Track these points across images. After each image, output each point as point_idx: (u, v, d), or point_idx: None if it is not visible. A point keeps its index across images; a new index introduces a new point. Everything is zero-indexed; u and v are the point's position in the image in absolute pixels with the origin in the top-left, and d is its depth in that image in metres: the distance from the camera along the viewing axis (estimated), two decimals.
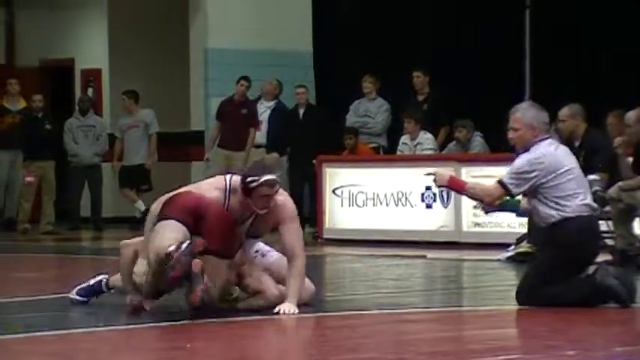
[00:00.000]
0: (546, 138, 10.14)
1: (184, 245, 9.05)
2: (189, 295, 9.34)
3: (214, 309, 9.50)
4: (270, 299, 9.66)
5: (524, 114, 10.21)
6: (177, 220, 9.32)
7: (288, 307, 9.50)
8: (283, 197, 9.86)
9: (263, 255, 10.00)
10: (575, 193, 9.92)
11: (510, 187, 9.86)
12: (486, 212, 10.81)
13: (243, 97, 20.45)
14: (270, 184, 9.61)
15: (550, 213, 9.82)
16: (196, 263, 9.21)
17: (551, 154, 9.98)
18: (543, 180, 9.82)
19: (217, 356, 8.42)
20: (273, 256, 10.03)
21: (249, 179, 9.62)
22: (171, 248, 9.06)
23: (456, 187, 10.61)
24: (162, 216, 9.44)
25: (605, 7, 18.02)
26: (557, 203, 9.80)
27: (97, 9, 23.58)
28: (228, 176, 9.93)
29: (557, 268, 9.92)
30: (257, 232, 9.91)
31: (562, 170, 9.93)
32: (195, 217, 9.42)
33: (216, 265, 9.36)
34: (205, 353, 8.47)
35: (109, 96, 22.90)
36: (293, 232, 9.77)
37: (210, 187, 9.87)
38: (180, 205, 9.45)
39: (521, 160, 10.03)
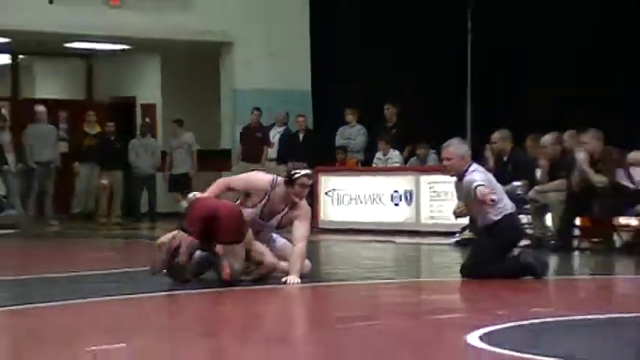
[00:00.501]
0: (471, 164, 10.08)
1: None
2: (220, 274, 9.35)
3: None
4: (269, 266, 9.72)
5: (457, 148, 10.16)
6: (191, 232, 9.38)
7: (292, 279, 9.57)
8: (304, 202, 9.96)
9: (274, 240, 10.01)
10: (502, 199, 9.98)
11: (490, 194, 9.69)
12: (456, 217, 10.81)
13: (257, 123, 20.39)
14: (308, 175, 9.82)
15: (491, 213, 9.84)
16: (218, 248, 9.24)
17: (488, 174, 10.07)
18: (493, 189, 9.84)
19: (243, 312, 8.43)
20: (281, 241, 10.05)
21: (294, 172, 9.81)
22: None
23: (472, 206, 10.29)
24: (182, 226, 9.49)
25: (530, 47, 17.91)
26: (496, 206, 9.82)
27: (152, 60, 23.54)
28: (275, 176, 10.03)
29: (492, 250, 9.95)
30: (285, 224, 9.95)
31: (497, 185, 9.98)
32: (207, 221, 9.35)
33: (233, 250, 9.35)
34: (234, 310, 8.49)
35: (161, 123, 22.83)
36: (303, 225, 9.83)
37: (263, 178, 10.02)
38: (194, 217, 9.41)
39: (478, 175, 9.88)
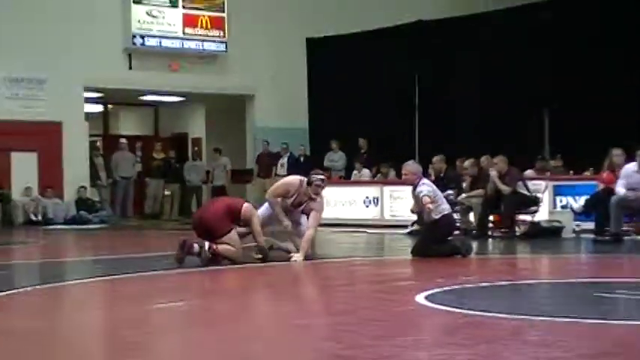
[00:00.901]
0: (422, 179, 10.09)
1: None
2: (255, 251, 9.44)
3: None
4: (261, 246, 9.48)
5: (412, 167, 10.25)
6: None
7: (297, 257, 9.51)
8: (320, 199, 9.82)
9: (300, 223, 9.88)
10: (442, 203, 10.00)
11: (430, 202, 9.71)
12: (412, 213, 10.80)
13: (267, 151, 20.55)
14: (321, 179, 9.70)
15: (433, 212, 9.86)
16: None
17: (433, 185, 10.09)
18: (435, 197, 9.85)
19: (249, 279, 8.43)
20: (304, 224, 9.89)
21: (312, 175, 9.73)
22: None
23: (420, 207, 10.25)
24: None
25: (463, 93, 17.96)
26: (437, 208, 9.85)
27: (200, 107, 23.63)
28: (302, 177, 9.84)
29: (434, 238, 9.96)
30: (307, 212, 9.84)
31: (438, 192, 9.99)
32: (198, 222, 9.32)
33: (229, 237, 9.15)
34: (238, 279, 8.50)
35: (205, 150, 22.91)
36: (315, 217, 9.72)
37: (295, 179, 9.92)
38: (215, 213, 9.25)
39: (425, 187, 9.85)
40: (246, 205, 9.47)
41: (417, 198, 9.96)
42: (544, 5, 16.95)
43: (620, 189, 11.74)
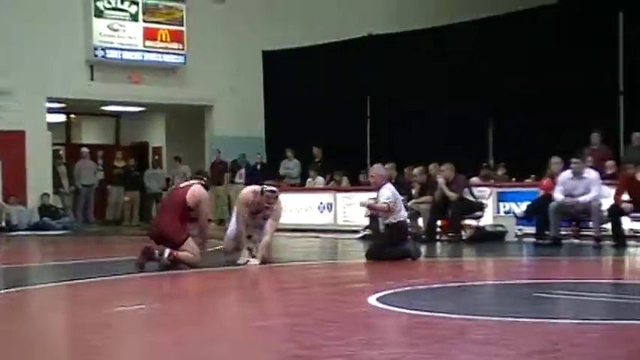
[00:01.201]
0: (386, 182, 10.21)
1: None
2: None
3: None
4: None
5: (378, 169, 10.39)
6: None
7: (254, 262, 9.50)
8: (278, 207, 9.79)
9: (261, 227, 9.78)
10: (401, 209, 10.08)
11: (391, 205, 9.88)
12: (367, 216, 10.88)
13: (219, 159, 20.46)
14: (271, 190, 9.60)
15: (390, 217, 9.93)
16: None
17: (395, 191, 10.15)
18: (395, 203, 9.91)
19: (209, 283, 8.40)
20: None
21: (264, 186, 9.66)
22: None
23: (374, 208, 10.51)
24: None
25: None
26: (396, 213, 9.92)
27: (160, 117, 23.47)
28: (257, 188, 9.76)
29: (390, 241, 10.00)
30: (266, 218, 9.73)
31: (398, 198, 10.07)
32: (154, 230, 9.34)
33: (186, 244, 9.15)
34: (197, 283, 8.47)
35: (166, 159, 22.75)
36: (271, 224, 9.70)
37: (248, 190, 9.92)
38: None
39: (387, 192, 9.93)
40: (191, 190, 9.30)
41: (379, 198, 10.10)
42: (487, 20, 17.18)
43: (557, 195, 11.92)
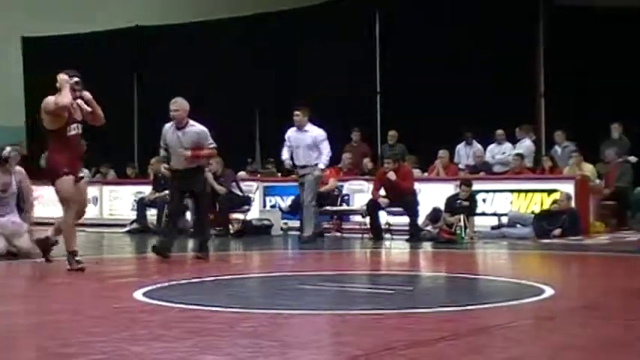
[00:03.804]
0: (189, 120, 9.31)
1: None
2: None
3: None
4: None
5: (182, 104, 9.31)
6: None
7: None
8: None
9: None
10: None
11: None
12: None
13: None
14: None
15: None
16: None
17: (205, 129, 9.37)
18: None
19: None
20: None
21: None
22: None
23: (196, 154, 9.33)
24: None
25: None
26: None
27: None
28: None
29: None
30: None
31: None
32: None
33: None
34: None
35: None
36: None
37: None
38: None
39: (204, 130, 9.26)
40: None
41: (186, 139, 9.26)
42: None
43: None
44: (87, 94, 8.15)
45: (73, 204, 8.08)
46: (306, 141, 11.84)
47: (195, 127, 9.34)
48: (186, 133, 9.32)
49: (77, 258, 8.17)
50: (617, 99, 14.92)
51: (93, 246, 12.73)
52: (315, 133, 11.88)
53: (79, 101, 8.14)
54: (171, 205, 9.84)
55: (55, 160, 8.10)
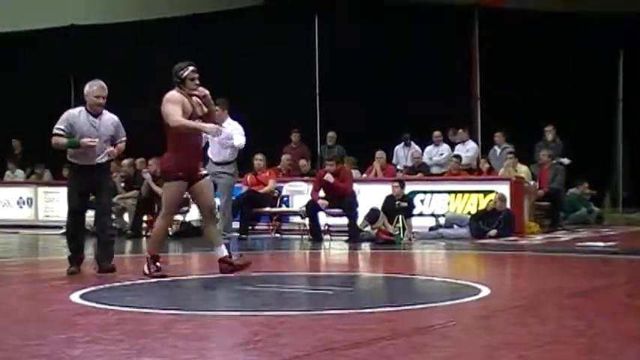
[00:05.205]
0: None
1: None
2: None
3: None
4: None
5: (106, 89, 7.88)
6: None
7: None
8: None
9: None
10: None
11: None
12: None
13: None
14: None
15: None
16: None
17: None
18: None
19: None
20: None
21: None
22: None
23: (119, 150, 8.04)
24: None
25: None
26: None
27: None
28: None
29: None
30: None
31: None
32: None
33: None
34: None
35: None
36: None
37: None
38: None
39: (117, 120, 7.97)
40: None
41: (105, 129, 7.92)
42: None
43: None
44: (203, 90, 7.55)
45: (175, 208, 7.72)
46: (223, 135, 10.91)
47: (110, 114, 7.96)
48: (103, 122, 7.86)
49: (158, 264, 7.67)
50: (550, 101, 15.21)
51: (28, 248, 12.51)
52: (232, 127, 10.88)
53: (195, 98, 7.57)
54: (74, 206, 8.00)
55: (171, 163, 7.54)
